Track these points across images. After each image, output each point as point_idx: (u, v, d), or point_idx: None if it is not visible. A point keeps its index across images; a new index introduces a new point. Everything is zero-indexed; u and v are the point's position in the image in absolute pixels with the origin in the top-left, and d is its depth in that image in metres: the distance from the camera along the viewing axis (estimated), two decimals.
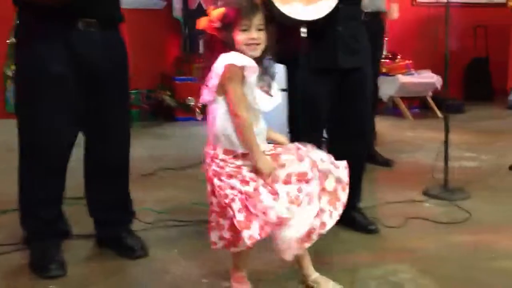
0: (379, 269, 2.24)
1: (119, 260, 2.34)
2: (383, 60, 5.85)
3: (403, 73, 5.67)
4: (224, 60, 1.88)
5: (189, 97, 5.26)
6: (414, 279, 2.16)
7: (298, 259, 2.08)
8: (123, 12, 2.35)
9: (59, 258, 2.22)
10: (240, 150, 1.91)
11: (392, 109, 5.82)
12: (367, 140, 2.66)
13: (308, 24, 2.29)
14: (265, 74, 1.96)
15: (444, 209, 2.95)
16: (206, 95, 1.94)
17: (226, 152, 1.92)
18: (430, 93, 5.87)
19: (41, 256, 2.21)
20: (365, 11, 3.70)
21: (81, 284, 2.14)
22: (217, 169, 1.91)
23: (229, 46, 1.89)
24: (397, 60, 5.79)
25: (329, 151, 2.62)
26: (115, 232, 2.39)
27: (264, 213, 1.86)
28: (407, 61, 5.77)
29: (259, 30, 1.91)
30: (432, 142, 4.48)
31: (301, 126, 2.40)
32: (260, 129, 1.97)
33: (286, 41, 2.05)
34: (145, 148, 4.22)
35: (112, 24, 2.26)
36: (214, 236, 2.01)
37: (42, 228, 2.27)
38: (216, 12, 1.91)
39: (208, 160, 1.94)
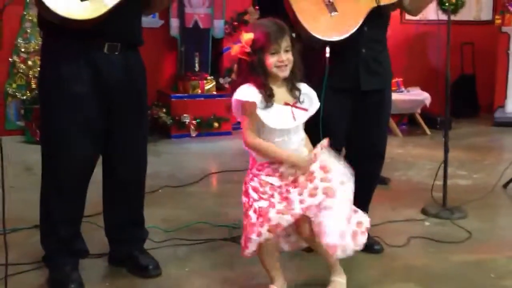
0: None
1: (132, 278, 2.39)
2: None
3: (393, 91, 5.75)
4: (235, 95, 2.09)
5: (184, 114, 5.30)
6: None
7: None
8: None
9: (78, 277, 2.26)
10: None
11: None
12: (382, 161, 2.71)
13: (332, 44, 2.37)
14: (295, 91, 2.13)
15: (444, 228, 3.03)
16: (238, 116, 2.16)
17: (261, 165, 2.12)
18: (419, 110, 5.98)
19: (60, 275, 2.25)
20: None
21: None
22: (256, 172, 2.15)
23: (258, 68, 2.06)
24: None
25: None
26: (129, 251, 2.43)
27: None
28: (397, 79, 5.89)
29: (287, 51, 2.08)
30: (422, 159, 4.61)
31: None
32: (291, 142, 2.14)
33: (311, 61, 2.17)
34: None
35: (134, 47, 2.32)
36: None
37: (62, 247, 2.30)
38: (246, 37, 2.06)
39: (250, 163, 2.19)
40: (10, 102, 5.03)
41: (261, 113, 2.07)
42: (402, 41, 6.63)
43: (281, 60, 2.07)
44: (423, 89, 5.97)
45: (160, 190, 3.63)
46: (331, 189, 2.08)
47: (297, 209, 2.07)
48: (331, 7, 2.39)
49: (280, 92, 2.12)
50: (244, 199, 2.14)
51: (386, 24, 2.63)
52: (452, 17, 6.79)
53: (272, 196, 2.10)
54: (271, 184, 2.12)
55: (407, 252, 2.70)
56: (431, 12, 6.41)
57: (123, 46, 2.25)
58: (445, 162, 3.32)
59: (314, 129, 2.32)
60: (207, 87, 5.45)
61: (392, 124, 5.80)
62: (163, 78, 5.70)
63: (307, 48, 2.21)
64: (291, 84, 2.13)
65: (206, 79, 5.47)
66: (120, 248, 2.46)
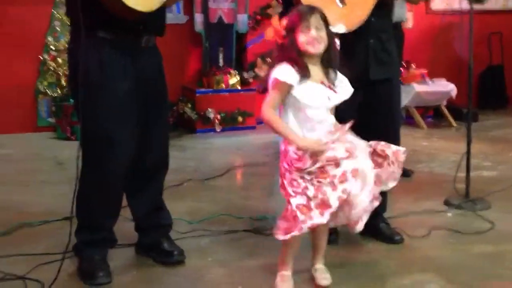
0: (406, 279, 2.35)
1: (158, 268, 2.47)
2: None
3: (418, 82, 5.73)
4: (274, 72, 2.16)
5: (209, 109, 5.37)
6: None
7: (313, 247, 2.35)
8: None
9: (106, 267, 2.36)
10: None
11: (406, 118, 5.89)
12: None
13: (341, 36, 2.43)
14: (330, 73, 2.20)
15: (466, 219, 3.04)
16: None
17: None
18: (445, 102, 5.93)
19: (90, 265, 2.34)
20: None
21: None
22: (286, 166, 2.17)
23: (291, 48, 2.15)
24: (411, 69, 5.87)
25: None
26: (156, 238, 2.52)
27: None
28: (422, 70, 5.83)
29: (318, 29, 2.14)
30: (446, 151, 4.59)
31: None
32: (320, 121, 2.19)
33: None
34: None
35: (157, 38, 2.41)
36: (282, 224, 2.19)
37: (97, 238, 2.39)
38: (283, 23, 2.19)
39: (281, 156, 2.20)
40: (42, 99, 5.17)
41: (297, 90, 2.14)
42: (427, 32, 6.57)
43: (312, 36, 2.13)
44: (449, 80, 5.91)
45: (184, 184, 3.70)
46: (357, 171, 2.13)
47: (334, 205, 2.12)
48: None
49: (315, 70, 2.19)
50: (282, 191, 2.22)
51: (390, 13, 2.70)
52: (479, 7, 6.71)
53: (306, 188, 2.14)
54: (302, 177, 2.16)
55: (427, 243, 2.72)
56: (457, 2, 6.37)
57: (154, 38, 2.35)
58: (468, 153, 3.32)
59: None
60: (231, 81, 5.50)
61: (417, 116, 5.77)
62: (188, 74, 5.78)
63: None
64: (326, 67, 2.20)
65: (230, 73, 5.52)
66: (148, 236, 2.55)
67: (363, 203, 2.16)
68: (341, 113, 2.49)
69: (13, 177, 3.81)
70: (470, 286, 2.29)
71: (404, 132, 5.37)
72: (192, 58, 5.79)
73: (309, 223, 2.11)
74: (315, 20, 2.14)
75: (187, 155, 4.59)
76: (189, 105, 5.41)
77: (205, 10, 5.59)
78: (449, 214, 3.13)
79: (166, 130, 2.56)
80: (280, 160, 2.22)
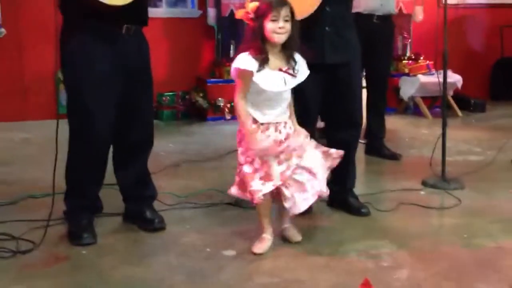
0: (361, 244, 2.54)
1: (141, 233, 2.74)
2: (405, 62, 6.12)
3: (423, 73, 5.89)
4: (235, 63, 2.41)
5: (219, 98, 5.64)
6: (391, 252, 2.47)
7: (278, 211, 2.60)
8: (163, 21, 2.73)
9: (92, 229, 2.66)
10: (261, 121, 2.43)
11: (413, 109, 6.04)
12: (357, 130, 2.95)
13: (301, 22, 2.57)
14: (290, 59, 2.45)
15: (436, 197, 3.20)
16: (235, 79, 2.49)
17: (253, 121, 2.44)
18: (451, 93, 6.03)
19: (77, 227, 2.64)
20: (377, 14, 4.03)
21: (107, 250, 2.55)
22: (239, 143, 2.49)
23: (258, 33, 2.38)
24: (419, 61, 6.05)
25: (326, 138, 2.98)
26: (140, 208, 2.80)
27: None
28: (428, 62, 5.99)
29: (286, 21, 2.38)
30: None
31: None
32: (278, 104, 2.45)
33: None
34: (174, 143, 4.63)
35: (142, 27, 2.68)
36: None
37: (83, 204, 2.69)
38: (252, 5, 2.42)
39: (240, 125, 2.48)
40: (62, 88, 5.53)
41: (256, 77, 2.37)
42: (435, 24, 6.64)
43: (280, 26, 2.35)
44: (458, 72, 6.01)
45: (182, 164, 3.94)
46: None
47: (277, 180, 2.42)
48: None
49: (276, 59, 2.42)
50: (239, 156, 2.52)
51: (347, 2, 2.87)
52: (492, 0, 6.81)
53: (254, 160, 2.44)
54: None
55: (392, 216, 2.91)
56: None
57: (136, 27, 2.62)
58: (443, 135, 3.50)
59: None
60: None
61: (422, 106, 5.91)
62: (202, 65, 6.06)
63: None
64: (288, 54, 2.45)
65: None
66: (132, 205, 2.83)
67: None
68: (308, 97, 2.73)
69: (29, 158, 4.15)
70: (420, 250, 2.48)
71: (409, 121, 5.60)
72: (205, 50, 6.06)
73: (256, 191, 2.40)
74: (285, 12, 2.36)
75: (194, 139, 4.85)
76: (201, 94, 5.69)
77: (218, 5, 5.86)
78: (422, 192, 3.29)
79: (149, 111, 2.82)
80: (239, 129, 2.49)
